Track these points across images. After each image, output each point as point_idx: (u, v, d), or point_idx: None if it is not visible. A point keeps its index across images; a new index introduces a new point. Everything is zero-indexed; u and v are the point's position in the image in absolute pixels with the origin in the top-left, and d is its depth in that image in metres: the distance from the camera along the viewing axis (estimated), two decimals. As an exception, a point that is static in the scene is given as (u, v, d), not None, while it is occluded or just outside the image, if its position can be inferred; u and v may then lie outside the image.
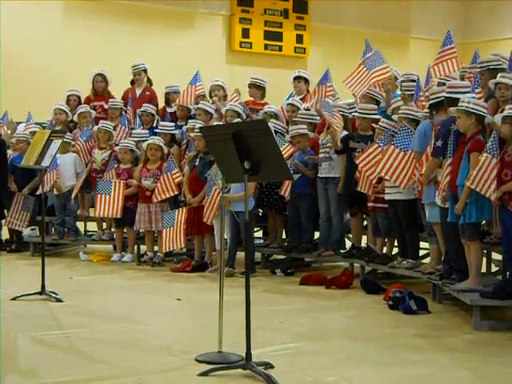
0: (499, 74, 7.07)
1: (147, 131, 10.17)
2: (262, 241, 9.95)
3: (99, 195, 9.56)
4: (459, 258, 6.63)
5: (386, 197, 7.84)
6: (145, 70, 11.14)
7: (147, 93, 11.09)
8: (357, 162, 8.04)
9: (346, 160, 8.47)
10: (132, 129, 10.48)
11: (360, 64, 9.31)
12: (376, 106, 8.58)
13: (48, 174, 9.73)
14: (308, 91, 10.19)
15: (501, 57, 7.74)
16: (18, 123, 11.34)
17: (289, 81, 10.39)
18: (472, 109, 6.35)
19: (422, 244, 8.49)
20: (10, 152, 10.39)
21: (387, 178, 7.59)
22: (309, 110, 9.36)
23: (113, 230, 10.33)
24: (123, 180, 9.65)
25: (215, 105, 10.08)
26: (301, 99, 9.96)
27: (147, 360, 5.22)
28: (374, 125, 8.21)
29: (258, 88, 10.35)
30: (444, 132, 6.76)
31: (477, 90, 7.23)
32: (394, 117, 7.91)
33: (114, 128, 10.36)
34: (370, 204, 8.17)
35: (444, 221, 6.74)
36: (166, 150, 9.60)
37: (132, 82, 11.28)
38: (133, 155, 9.81)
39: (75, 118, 10.75)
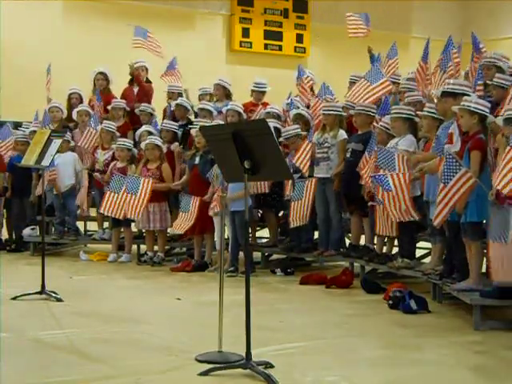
0: (496, 74, 7.06)
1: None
2: (263, 240, 9.94)
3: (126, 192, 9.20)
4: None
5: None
6: (146, 68, 11.14)
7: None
8: (361, 172, 8.03)
9: (345, 161, 8.48)
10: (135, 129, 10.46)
11: (362, 78, 9.19)
12: (373, 106, 8.58)
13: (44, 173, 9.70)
14: (312, 89, 10.19)
15: (502, 56, 7.74)
16: (16, 124, 11.33)
17: (289, 81, 10.36)
18: (476, 108, 6.34)
19: (423, 244, 8.48)
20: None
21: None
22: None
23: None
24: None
25: (214, 105, 10.08)
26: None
27: (147, 360, 5.21)
28: (375, 124, 8.20)
29: (261, 93, 10.37)
30: None
31: (479, 82, 7.20)
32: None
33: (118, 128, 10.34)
34: (370, 203, 8.14)
35: (451, 219, 6.70)
36: (164, 149, 9.58)
37: (130, 81, 11.25)
38: (129, 153, 9.78)
39: (75, 117, 10.72)
